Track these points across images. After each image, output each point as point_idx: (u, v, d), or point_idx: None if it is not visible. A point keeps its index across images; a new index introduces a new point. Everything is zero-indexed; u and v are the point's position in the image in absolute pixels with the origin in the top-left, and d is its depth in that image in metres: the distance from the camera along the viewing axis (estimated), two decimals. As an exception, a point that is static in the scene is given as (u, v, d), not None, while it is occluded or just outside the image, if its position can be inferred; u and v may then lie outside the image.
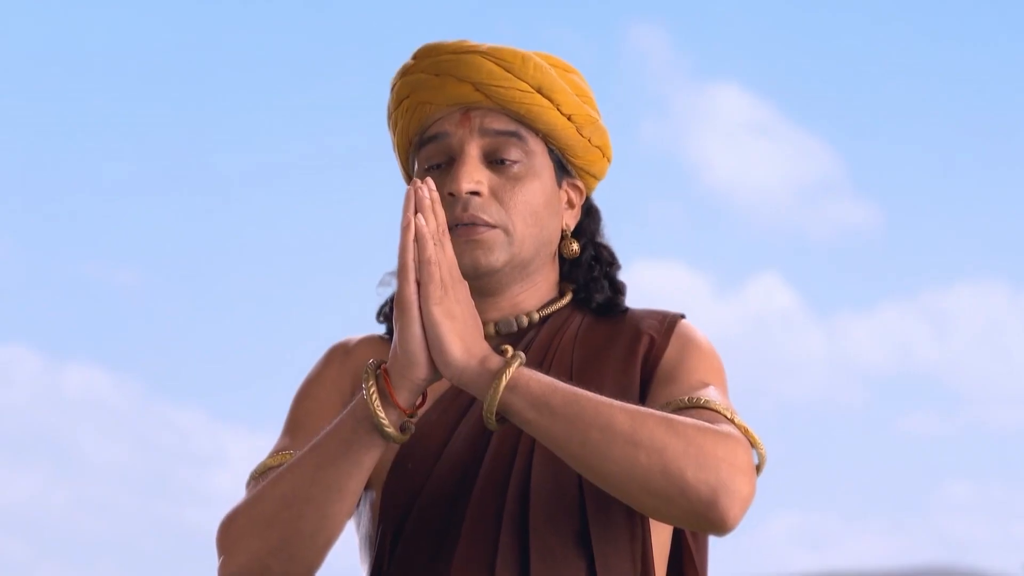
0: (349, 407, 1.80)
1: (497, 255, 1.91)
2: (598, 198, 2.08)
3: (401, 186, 2.04)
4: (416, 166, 1.97)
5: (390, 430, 1.76)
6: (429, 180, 1.78)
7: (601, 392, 1.81)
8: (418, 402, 1.79)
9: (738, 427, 1.78)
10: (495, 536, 1.83)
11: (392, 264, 2.00)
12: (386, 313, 2.04)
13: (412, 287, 1.75)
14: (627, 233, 2.09)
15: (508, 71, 1.90)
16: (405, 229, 1.74)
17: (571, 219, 2.00)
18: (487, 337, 1.92)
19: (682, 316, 1.99)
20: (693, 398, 1.82)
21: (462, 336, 1.75)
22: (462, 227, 1.89)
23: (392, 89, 1.98)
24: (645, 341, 1.94)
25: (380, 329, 2.07)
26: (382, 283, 2.04)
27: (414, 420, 1.79)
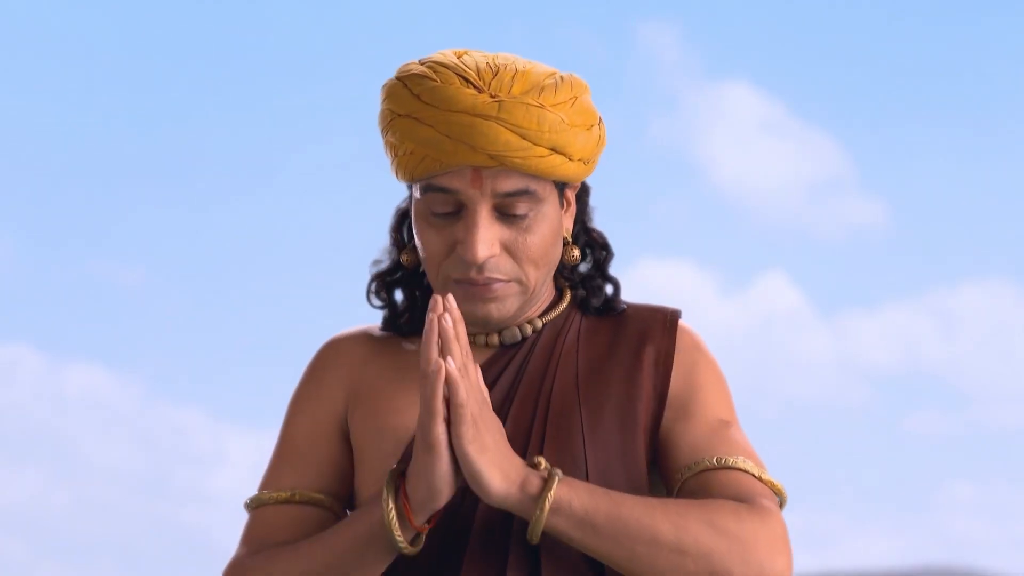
0: (365, 513, 1.80)
1: (510, 306, 1.89)
2: (604, 196, 2.06)
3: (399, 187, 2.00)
4: (415, 196, 1.90)
5: (405, 548, 1.78)
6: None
7: (607, 402, 1.87)
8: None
9: (767, 484, 1.84)
10: (505, 546, 1.83)
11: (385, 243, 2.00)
12: (375, 291, 2.00)
13: (440, 427, 1.73)
14: (635, 232, 2.09)
15: (524, 138, 1.83)
16: (435, 374, 1.72)
17: (569, 220, 1.96)
18: (491, 347, 1.94)
19: (679, 314, 1.98)
20: (723, 460, 1.85)
21: (499, 465, 1.75)
22: (478, 286, 1.87)
23: (389, 114, 1.89)
24: (650, 351, 1.93)
25: (369, 317, 2.04)
26: (377, 261, 2.01)
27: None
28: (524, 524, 1.79)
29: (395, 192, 2.02)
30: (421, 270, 1.99)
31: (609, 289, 2.01)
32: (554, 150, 1.85)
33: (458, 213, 1.87)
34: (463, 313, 1.84)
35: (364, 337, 2.02)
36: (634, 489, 1.85)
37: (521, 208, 1.86)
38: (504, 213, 1.86)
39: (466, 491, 1.82)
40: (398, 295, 2.02)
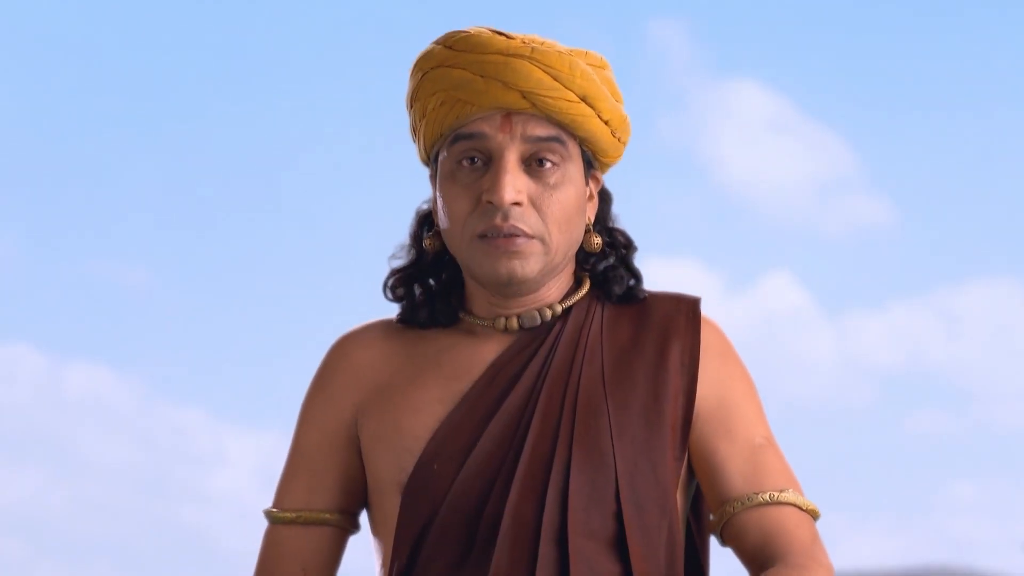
0: None
1: (533, 265, 1.87)
2: (614, 194, 2.06)
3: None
4: (442, 156, 1.91)
5: None
6: None
7: (634, 399, 1.86)
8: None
9: (809, 513, 1.90)
10: (534, 546, 1.81)
11: (401, 238, 2.00)
12: (392, 287, 1.99)
13: None
14: (642, 230, 2.06)
15: (556, 79, 1.86)
16: None
17: (592, 210, 1.96)
18: (510, 331, 1.92)
19: (699, 303, 1.96)
20: (775, 496, 1.88)
21: None
22: (501, 238, 1.85)
23: (420, 76, 1.91)
24: (676, 347, 1.92)
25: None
26: (393, 256, 2.00)
27: None
28: (555, 519, 1.81)
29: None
30: (446, 258, 1.97)
31: (628, 279, 1.99)
32: (584, 99, 1.87)
33: (486, 167, 1.87)
34: (486, 273, 1.86)
35: (378, 333, 1.99)
36: (661, 487, 1.86)
37: (550, 156, 1.87)
38: (532, 165, 1.87)
39: (495, 483, 1.83)
40: (415, 291, 2.00)
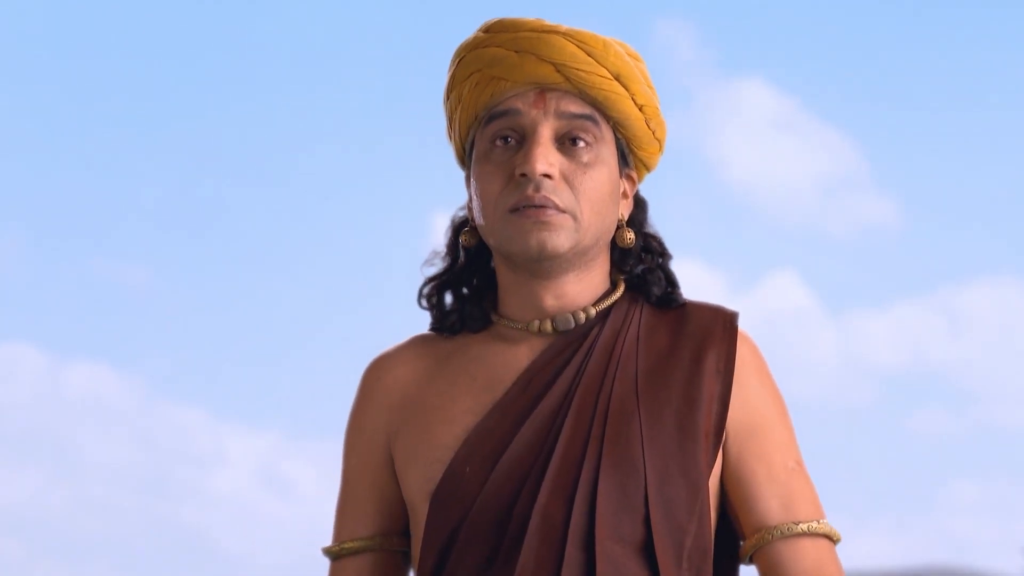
0: None
1: (563, 239, 1.87)
2: (647, 202, 2.06)
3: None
4: (477, 139, 1.92)
5: None
6: None
7: (666, 407, 1.86)
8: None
9: (835, 541, 1.94)
10: (561, 548, 1.81)
11: (426, 250, 2.01)
12: (427, 295, 1.99)
13: None
14: (655, 223, 2.07)
15: (590, 55, 1.88)
16: None
17: (625, 209, 1.97)
18: (543, 335, 1.92)
19: (737, 316, 1.97)
20: (811, 527, 1.91)
21: None
22: (532, 208, 1.86)
23: (457, 61, 1.94)
24: (711, 356, 1.91)
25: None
26: (427, 262, 2.01)
27: None
28: (582, 522, 1.81)
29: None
30: (479, 263, 1.98)
31: (665, 282, 1.99)
32: (617, 78, 1.89)
33: (519, 145, 1.88)
34: (517, 248, 1.86)
35: (410, 351, 2.00)
36: (692, 493, 1.86)
37: (585, 136, 1.88)
38: (565, 142, 1.88)
39: (525, 484, 1.84)
40: (447, 298, 2.00)
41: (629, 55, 1.93)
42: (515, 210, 1.86)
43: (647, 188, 2.03)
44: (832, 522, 1.94)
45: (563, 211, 1.86)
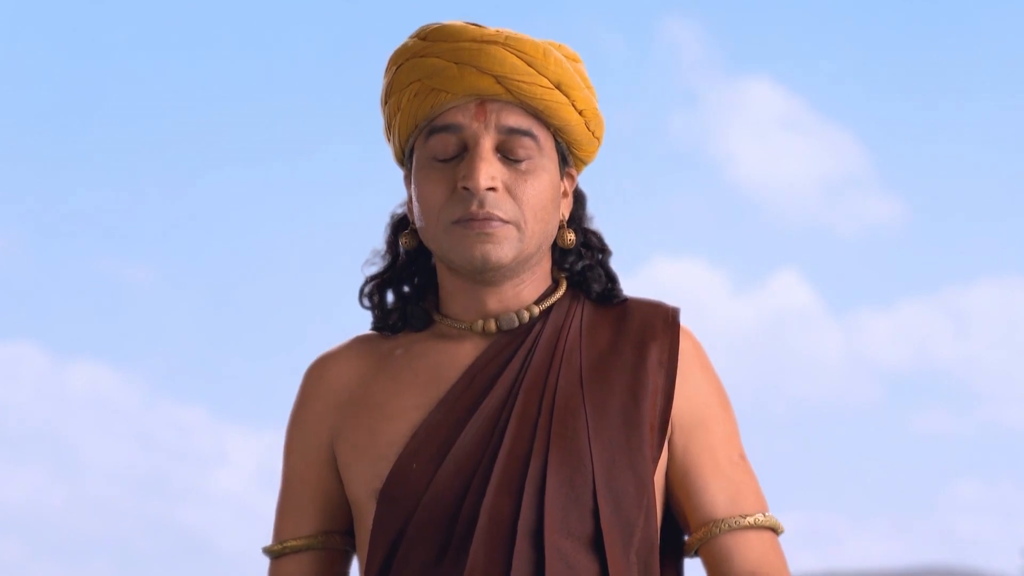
0: None
1: (507, 250, 1.88)
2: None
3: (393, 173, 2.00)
4: (417, 149, 1.92)
5: None
6: None
7: (611, 399, 1.87)
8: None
9: (776, 531, 1.95)
10: (510, 544, 1.82)
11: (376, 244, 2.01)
12: (368, 294, 2.00)
13: None
14: (651, 229, 2.08)
15: (530, 65, 1.88)
16: None
17: (566, 208, 1.97)
18: (488, 334, 1.93)
19: (679, 312, 1.98)
20: (756, 519, 1.93)
21: None
22: (476, 221, 1.86)
23: (394, 68, 1.93)
24: (654, 349, 1.93)
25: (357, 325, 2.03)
26: (368, 262, 2.01)
27: None
28: (531, 517, 1.82)
29: (403, 193, 2.01)
30: (420, 261, 1.98)
31: (605, 279, 1.99)
32: (558, 87, 1.89)
33: (460, 157, 1.88)
34: (461, 258, 1.87)
35: (352, 351, 1.99)
36: (639, 486, 1.87)
37: (522, 151, 1.88)
38: (506, 155, 1.88)
39: (472, 481, 1.84)
40: (389, 297, 2.00)
41: (568, 58, 1.93)
42: (458, 222, 1.87)
43: (650, 186, 2.04)
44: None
45: (506, 222, 1.87)
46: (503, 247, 1.87)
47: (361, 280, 2.00)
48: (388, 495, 1.86)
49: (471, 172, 1.85)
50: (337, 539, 1.98)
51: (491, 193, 1.86)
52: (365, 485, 1.89)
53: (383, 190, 2.12)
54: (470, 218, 1.86)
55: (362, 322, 2.03)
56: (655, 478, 1.90)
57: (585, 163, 2.01)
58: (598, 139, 1.98)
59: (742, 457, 1.95)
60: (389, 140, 1.98)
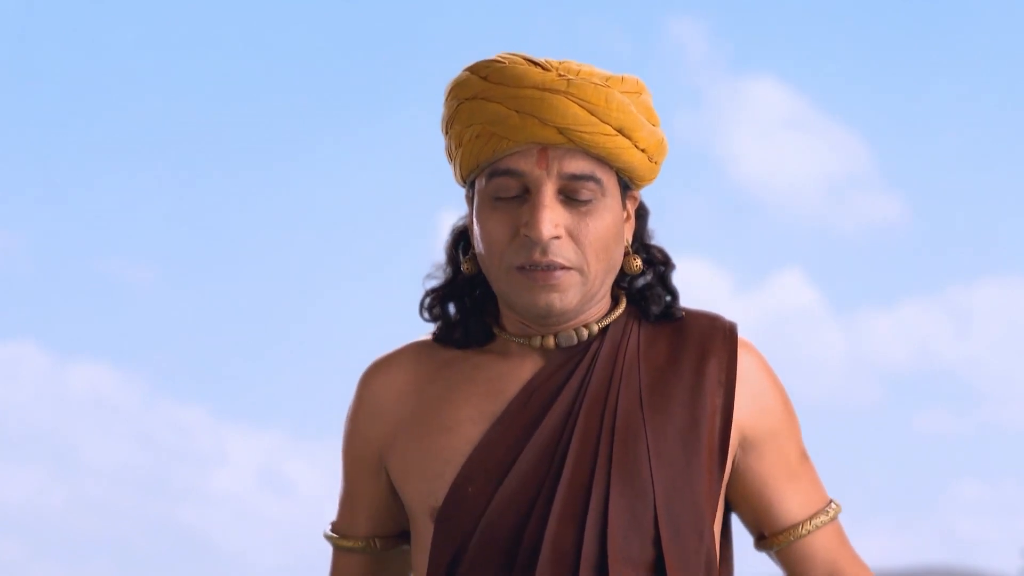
0: None
1: (571, 297, 1.86)
2: (649, 209, 2.04)
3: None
4: (479, 186, 1.90)
5: None
6: None
7: (671, 422, 1.87)
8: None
9: (836, 505, 2.01)
10: (574, 573, 1.82)
11: (432, 259, 2.00)
12: (429, 307, 1.98)
13: None
14: (654, 228, 2.05)
15: (593, 114, 1.85)
16: None
17: (629, 231, 1.96)
18: (546, 350, 1.92)
19: (736, 326, 1.98)
20: (831, 512, 1.99)
21: None
22: (540, 271, 1.85)
23: (456, 103, 1.90)
24: (713, 367, 1.92)
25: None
26: (429, 276, 1.99)
27: None
28: (594, 548, 1.81)
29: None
30: (480, 276, 1.96)
31: (668, 298, 1.98)
32: (620, 131, 1.86)
33: (522, 198, 1.86)
34: (524, 304, 1.86)
35: (408, 358, 1.99)
36: (698, 511, 1.87)
37: (585, 193, 1.86)
38: (569, 198, 1.86)
39: (533, 508, 1.83)
40: (450, 310, 1.99)
41: (631, 92, 1.89)
42: (522, 269, 1.85)
43: (653, 186, 2.01)
44: (839, 520, 2.03)
45: (570, 268, 1.85)
46: (567, 295, 1.86)
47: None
48: (446, 516, 1.85)
49: (534, 221, 1.83)
50: (389, 542, 2.02)
51: (554, 241, 1.84)
52: (422, 501, 1.89)
53: (383, 190, 2.08)
54: (533, 266, 1.84)
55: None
56: (714, 496, 1.90)
57: (647, 184, 1.98)
58: (659, 164, 1.95)
59: (805, 455, 1.99)
60: (451, 163, 1.96)
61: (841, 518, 2.02)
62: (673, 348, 1.93)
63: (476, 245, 1.91)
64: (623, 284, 1.98)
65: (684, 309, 1.98)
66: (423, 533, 1.90)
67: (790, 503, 1.96)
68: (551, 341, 1.90)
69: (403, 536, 2.01)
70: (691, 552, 1.85)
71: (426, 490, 1.87)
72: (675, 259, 1.99)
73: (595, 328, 1.91)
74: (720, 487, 1.90)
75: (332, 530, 2.04)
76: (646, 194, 2.00)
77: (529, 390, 1.88)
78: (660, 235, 2.01)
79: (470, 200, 1.93)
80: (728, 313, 2.00)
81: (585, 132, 1.84)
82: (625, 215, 1.93)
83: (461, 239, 1.98)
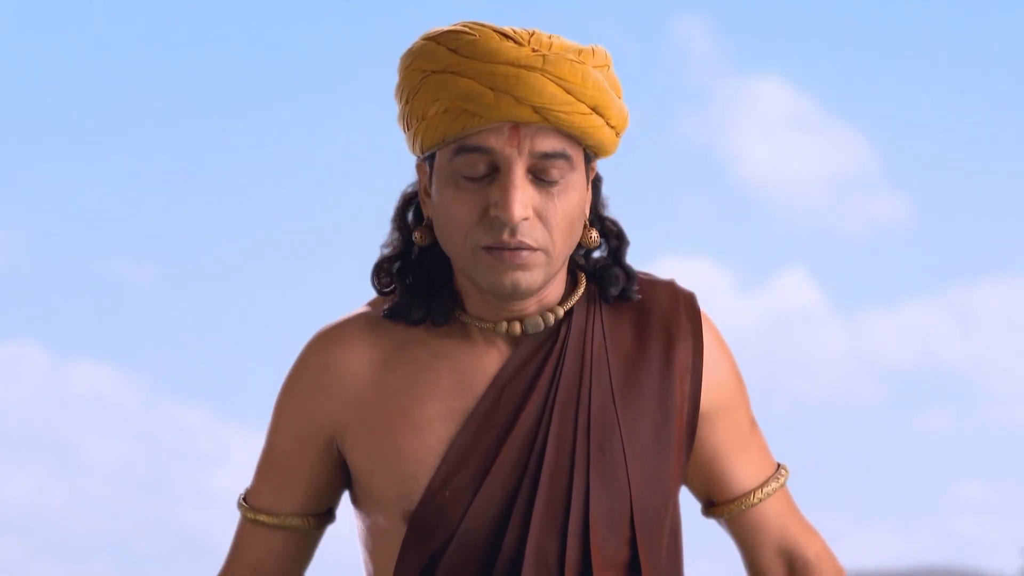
0: None
1: (536, 276, 1.81)
2: (629, 191, 2.04)
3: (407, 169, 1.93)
4: (441, 159, 1.82)
5: None
6: None
7: (642, 418, 1.85)
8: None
9: (785, 474, 2.01)
10: None
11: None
12: (384, 267, 1.90)
13: None
14: (657, 227, 2.04)
15: (569, 92, 1.79)
16: None
17: (587, 205, 1.90)
18: (514, 338, 1.86)
19: (695, 299, 1.95)
20: (780, 479, 2.00)
21: None
22: (507, 251, 1.79)
23: (419, 75, 1.82)
24: (681, 354, 1.90)
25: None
26: (386, 244, 1.91)
27: None
28: (576, 555, 1.80)
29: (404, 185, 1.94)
30: (428, 251, 1.89)
31: (622, 279, 1.93)
32: (595, 110, 1.81)
33: (490, 176, 1.80)
34: (488, 285, 1.80)
35: (362, 335, 1.89)
36: (666, 504, 1.86)
37: (555, 172, 1.80)
38: (538, 177, 1.80)
39: (512, 516, 1.81)
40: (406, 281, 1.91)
41: (601, 65, 1.84)
42: (489, 249, 1.79)
43: (658, 185, 2.01)
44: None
45: (536, 249, 1.80)
46: (533, 274, 1.80)
47: (363, 286, 1.92)
48: (420, 522, 1.81)
49: (504, 203, 1.78)
50: (311, 520, 1.94)
51: (524, 222, 1.79)
52: (393, 503, 1.83)
53: (383, 190, 2.03)
54: (501, 247, 1.79)
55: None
56: (679, 481, 1.90)
57: (608, 156, 1.93)
58: (620, 137, 1.90)
59: (754, 422, 1.99)
60: (406, 132, 1.87)
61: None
62: (638, 332, 1.90)
63: (437, 224, 1.84)
64: (579, 256, 1.93)
65: (640, 280, 1.94)
66: (390, 530, 1.85)
67: (743, 471, 1.96)
68: (517, 328, 1.85)
69: (331, 514, 1.96)
70: (660, 546, 1.85)
71: (399, 491, 1.82)
72: (679, 258, 2.00)
73: (560, 312, 1.87)
74: (684, 471, 1.90)
75: (251, 504, 1.95)
76: (644, 187, 1.97)
77: (499, 386, 1.83)
78: (662, 234, 2.02)
79: (424, 171, 1.87)
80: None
81: (561, 112, 1.78)
82: (587, 188, 1.89)
83: (410, 205, 1.91)
